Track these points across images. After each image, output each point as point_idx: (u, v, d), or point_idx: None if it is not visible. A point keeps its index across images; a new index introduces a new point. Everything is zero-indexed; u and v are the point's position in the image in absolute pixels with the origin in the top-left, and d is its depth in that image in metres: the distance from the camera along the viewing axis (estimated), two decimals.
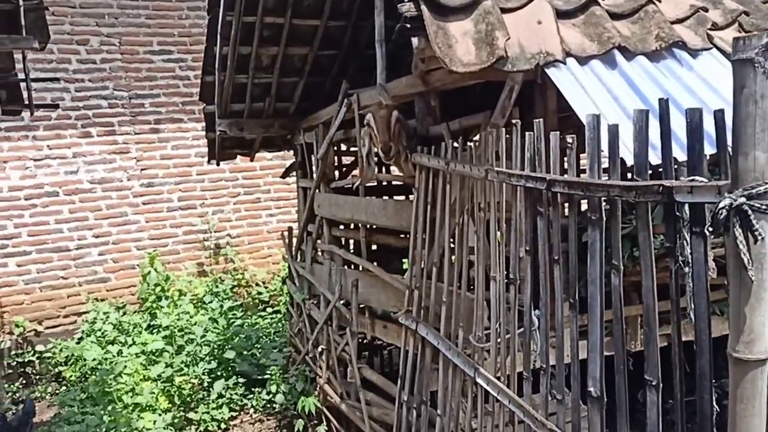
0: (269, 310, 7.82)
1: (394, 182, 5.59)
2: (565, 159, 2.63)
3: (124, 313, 7.27)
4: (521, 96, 3.03)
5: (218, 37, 5.18)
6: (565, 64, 2.64)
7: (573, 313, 2.20)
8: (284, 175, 6.32)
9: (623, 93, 2.59)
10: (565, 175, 2.22)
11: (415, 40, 2.80)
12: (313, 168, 5.70)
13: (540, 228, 2.39)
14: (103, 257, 7.77)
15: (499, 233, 2.77)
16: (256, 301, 7.95)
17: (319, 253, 5.53)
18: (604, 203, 2.07)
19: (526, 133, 2.44)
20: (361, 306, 4.56)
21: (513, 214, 2.58)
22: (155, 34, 7.98)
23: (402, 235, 5.56)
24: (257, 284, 8.22)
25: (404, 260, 6.12)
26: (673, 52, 2.83)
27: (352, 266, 5.02)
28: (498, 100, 3.06)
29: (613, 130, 1.97)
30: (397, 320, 4.37)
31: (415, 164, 3.73)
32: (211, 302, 7.08)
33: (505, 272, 2.71)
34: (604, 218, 2.05)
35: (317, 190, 5.38)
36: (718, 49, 2.90)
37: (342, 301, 4.80)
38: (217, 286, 7.52)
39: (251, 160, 6.54)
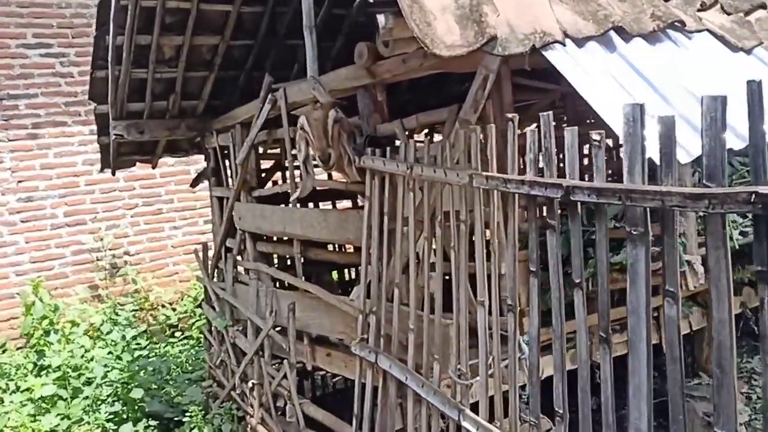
0: (179, 335, 6.96)
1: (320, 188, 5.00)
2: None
3: (5, 351, 6.15)
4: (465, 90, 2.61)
5: (111, 25, 4.37)
6: (564, 45, 2.23)
7: (606, 349, 1.79)
8: (194, 184, 5.55)
9: (629, 78, 2.22)
10: (593, 181, 1.79)
11: (380, 18, 2.28)
12: (230, 174, 5.02)
13: (551, 244, 1.96)
14: None
15: (488, 249, 2.32)
16: (164, 326, 7.06)
17: (242, 272, 4.85)
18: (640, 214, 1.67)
19: (527, 130, 2.00)
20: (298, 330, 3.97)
21: (509, 227, 2.14)
22: (29, 25, 6.88)
23: (341, 249, 5.05)
24: (163, 306, 7.33)
25: (335, 273, 5.59)
26: (668, 33, 2.52)
27: (278, 284, 4.42)
28: (447, 93, 2.62)
29: (669, 123, 1.56)
30: (342, 345, 3.84)
31: (363, 169, 3.21)
32: (110, 332, 6.14)
33: (500, 296, 2.27)
34: (650, 233, 1.65)
35: (237, 200, 4.71)
36: (709, 31, 2.63)
37: (276, 328, 4.18)
38: (116, 313, 6.57)
39: (153, 167, 5.71)
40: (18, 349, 6.34)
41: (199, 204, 7.78)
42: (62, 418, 4.73)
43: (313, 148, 3.53)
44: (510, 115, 2.11)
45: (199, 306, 5.64)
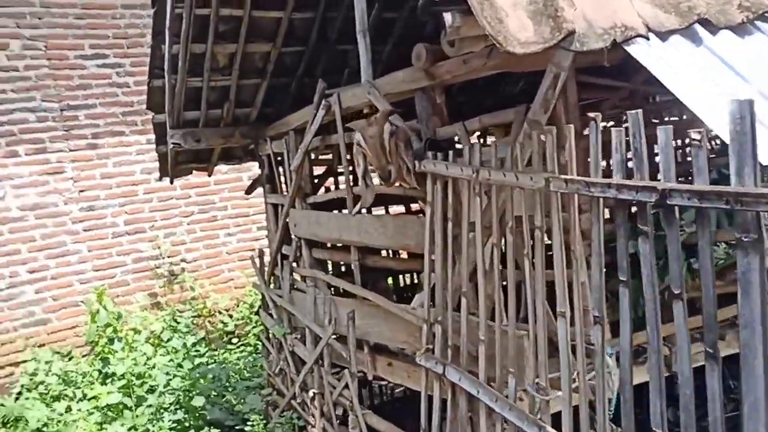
0: (236, 341, 7.01)
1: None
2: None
3: (71, 359, 6.32)
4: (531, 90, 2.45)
5: (166, 34, 4.40)
6: (648, 39, 2.07)
7: (713, 365, 1.63)
8: (249, 191, 5.55)
9: (719, 73, 2.04)
10: (694, 184, 1.63)
11: (447, 16, 2.16)
12: (284, 181, 4.99)
13: (645, 252, 1.81)
14: (41, 295, 6.78)
15: (567, 257, 2.18)
16: (221, 333, 7.12)
17: (299, 279, 4.81)
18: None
19: (613, 130, 1.85)
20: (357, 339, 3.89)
21: (593, 233, 2.00)
22: (86, 36, 7.05)
23: (395, 255, 4.92)
24: (220, 312, 7.40)
25: (391, 279, 5.50)
26: (757, 25, 2.32)
27: (334, 291, 4.36)
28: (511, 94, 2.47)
29: None
30: (404, 354, 3.74)
31: (424, 174, 3.10)
32: (170, 339, 6.22)
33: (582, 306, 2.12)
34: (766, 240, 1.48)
35: (292, 207, 4.67)
36: None
37: (335, 336, 4.11)
38: (175, 320, 6.66)
39: (209, 175, 5.75)
40: (83, 356, 6.50)
41: (252, 211, 7.83)
42: (129, 429, 4.79)
43: (371, 163, 3.46)
44: (592, 114, 1.96)
45: (256, 313, 5.65)
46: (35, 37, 6.74)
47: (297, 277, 4.81)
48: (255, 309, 6.86)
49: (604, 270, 2.06)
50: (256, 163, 7.11)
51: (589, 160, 2.09)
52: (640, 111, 1.79)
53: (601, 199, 1.93)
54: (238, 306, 7.45)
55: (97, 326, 5.82)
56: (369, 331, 3.82)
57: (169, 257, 7.34)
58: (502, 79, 5.06)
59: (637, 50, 2.04)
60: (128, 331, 6.10)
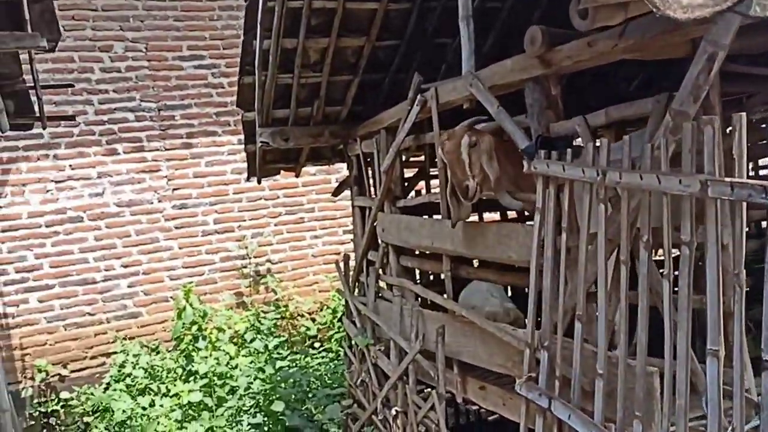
0: (318, 346, 6.83)
1: None
2: None
3: (158, 353, 6.37)
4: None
5: (258, 29, 4.26)
6: None
7: None
8: (336, 193, 5.34)
9: None
10: None
11: None
12: (373, 183, 4.74)
13: None
14: (133, 289, 6.92)
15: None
16: (303, 336, 6.98)
17: (385, 287, 4.52)
18: None
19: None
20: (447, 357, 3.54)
21: None
22: (185, 38, 7.15)
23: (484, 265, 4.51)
24: (302, 316, 7.26)
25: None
26: None
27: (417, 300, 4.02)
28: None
29: None
30: (499, 377, 3.36)
31: (537, 175, 2.71)
32: (253, 340, 6.13)
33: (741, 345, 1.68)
34: None
35: (381, 211, 4.40)
36: None
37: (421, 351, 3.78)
38: (259, 321, 6.57)
39: (297, 176, 5.60)
40: (169, 351, 6.55)
41: (339, 213, 7.67)
42: (207, 429, 4.69)
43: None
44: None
45: (339, 320, 5.43)
46: (137, 39, 6.91)
47: (383, 284, 4.53)
48: (338, 315, 6.67)
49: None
50: (344, 165, 6.96)
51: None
52: None
53: None
54: (321, 310, 7.29)
55: (183, 323, 5.81)
56: (460, 350, 3.47)
57: (255, 257, 7.30)
58: (614, 73, 4.56)
59: None
60: (213, 330, 6.05)
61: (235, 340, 6.19)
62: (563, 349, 2.51)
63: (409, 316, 3.98)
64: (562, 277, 2.53)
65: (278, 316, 6.94)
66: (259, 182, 5.41)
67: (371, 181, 4.78)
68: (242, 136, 7.42)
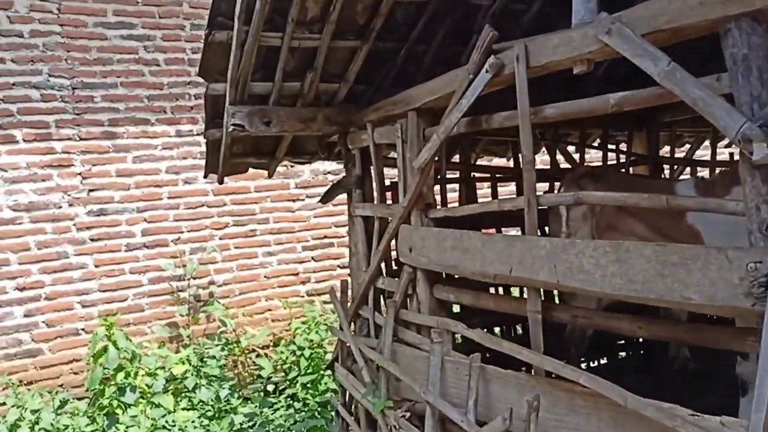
0: (273, 389, 5.48)
1: None
2: None
3: (64, 406, 4.78)
4: None
5: None
6: None
7: None
8: (326, 199, 4.07)
9: None
10: None
11: None
12: (381, 187, 3.57)
13: None
14: (32, 319, 5.30)
15: None
16: (253, 377, 5.61)
17: (406, 327, 3.32)
18: None
19: None
20: None
21: None
22: (110, 0, 5.67)
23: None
24: (254, 351, 5.89)
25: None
26: None
27: (477, 355, 2.85)
28: None
29: None
30: None
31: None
32: (196, 387, 4.70)
33: None
34: None
35: (406, 222, 3.21)
36: None
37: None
38: (202, 361, 5.14)
39: (270, 175, 4.28)
40: (81, 399, 4.95)
41: (298, 226, 6.41)
42: None
43: None
44: None
45: (328, 367, 4.14)
46: None
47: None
48: (302, 351, 5.37)
49: None
50: (308, 167, 5.76)
51: None
52: None
53: None
54: (276, 345, 5.94)
55: (105, 368, 4.31)
56: None
57: (195, 279, 5.86)
58: None
59: None
60: (142, 378, 4.57)
61: (171, 388, 4.73)
62: None
63: (455, 371, 2.81)
64: None
65: (225, 352, 5.53)
66: (220, 181, 4.06)
67: (382, 183, 3.60)
68: (182, 126, 6.02)
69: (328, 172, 6.50)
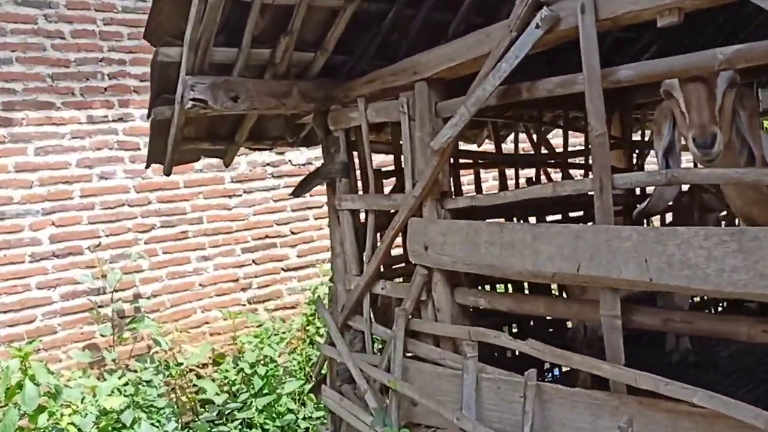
0: (217, 416, 4.74)
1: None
2: None
3: None
4: None
5: None
6: None
7: None
8: (299, 192, 3.42)
9: None
10: None
11: None
12: (369, 175, 3.02)
13: None
14: None
15: None
16: (195, 402, 4.84)
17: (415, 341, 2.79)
18: None
19: None
20: None
21: None
22: None
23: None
24: (192, 371, 5.11)
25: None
26: None
27: (534, 372, 2.38)
28: None
29: None
30: None
31: None
32: (135, 424, 3.89)
33: None
34: None
35: (416, 215, 2.69)
36: None
37: None
38: (137, 387, 4.31)
39: (227, 165, 3.56)
40: None
41: (236, 225, 5.67)
42: None
43: (684, 128, 1.91)
44: None
45: (311, 390, 3.49)
46: None
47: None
48: (254, 368, 4.69)
49: None
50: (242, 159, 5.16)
51: None
52: None
53: None
54: (219, 363, 5.19)
55: (21, 411, 3.43)
56: None
57: (117, 291, 4.98)
58: None
59: None
60: (70, 414, 3.71)
61: (104, 424, 3.89)
62: None
63: (497, 392, 2.33)
64: None
65: (160, 376, 4.70)
66: (168, 172, 3.30)
67: (368, 170, 3.04)
68: (94, 112, 5.15)
69: (267, 164, 5.81)
